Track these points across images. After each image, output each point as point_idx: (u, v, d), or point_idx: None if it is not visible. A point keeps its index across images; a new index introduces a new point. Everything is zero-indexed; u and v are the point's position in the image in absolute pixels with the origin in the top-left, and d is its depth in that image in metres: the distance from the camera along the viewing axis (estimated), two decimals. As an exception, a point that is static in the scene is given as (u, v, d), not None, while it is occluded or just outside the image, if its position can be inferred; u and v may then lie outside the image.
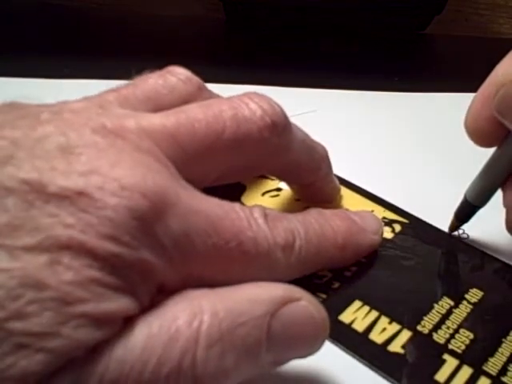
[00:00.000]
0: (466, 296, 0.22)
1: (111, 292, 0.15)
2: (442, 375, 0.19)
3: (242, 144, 0.20)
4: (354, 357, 0.20)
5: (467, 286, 0.23)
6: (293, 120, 0.22)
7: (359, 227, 0.22)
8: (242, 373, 0.16)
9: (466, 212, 0.26)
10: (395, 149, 0.33)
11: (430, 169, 0.32)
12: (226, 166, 0.20)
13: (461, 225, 0.26)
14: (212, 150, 0.19)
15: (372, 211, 0.26)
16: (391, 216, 0.26)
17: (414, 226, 0.26)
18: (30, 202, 0.14)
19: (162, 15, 0.51)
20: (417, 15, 0.50)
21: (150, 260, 0.16)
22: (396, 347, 0.20)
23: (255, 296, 0.17)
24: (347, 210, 0.26)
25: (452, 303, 0.22)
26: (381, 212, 0.26)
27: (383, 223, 0.25)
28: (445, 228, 0.26)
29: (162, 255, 0.16)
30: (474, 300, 0.22)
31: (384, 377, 0.19)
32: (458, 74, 0.44)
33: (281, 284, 0.18)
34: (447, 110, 0.37)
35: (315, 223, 0.21)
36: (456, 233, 0.26)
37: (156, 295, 0.16)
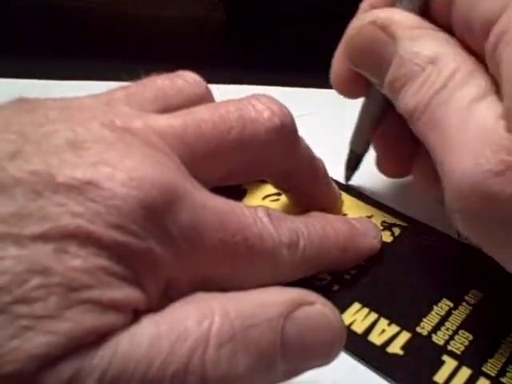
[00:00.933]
0: (466, 297, 0.22)
1: (118, 281, 0.15)
2: (441, 376, 0.19)
3: (248, 144, 0.20)
4: (353, 358, 0.20)
5: (467, 288, 0.23)
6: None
7: (359, 231, 0.23)
8: (254, 381, 0.16)
9: (353, 161, 0.28)
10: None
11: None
12: (231, 166, 0.20)
13: (352, 173, 0.28)
14: (218, 151, 0.19)
15: (371, 216, 0.26)
16: (390, 220, 0.26)
17: (414, 229, 0.26)
18: (39, 192, 0.14)
19: (162, 15, 0.51)
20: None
21: (158, 251, 0.16)
22: (395, 348, 0.20)
23: (267, 299, 0.17)
24: (346, 215, 0.26)
25: (451, 305, 0.22)
26: (380, 216, 0.26)
27: (383, 227, 0.25)
28: (445, 230, 0.26)
29: (169, 246, 0.16)
30: (473, 301, 0.22)
31: (383, 378, 0.19)
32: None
33: (293, 288, 0.17)
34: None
35: (317, 224, 0.21)
36: (456, 234, 0.26)
37: (164, 292, 0.16)
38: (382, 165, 0.27)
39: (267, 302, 0.16)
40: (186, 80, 0.21)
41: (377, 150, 0.27)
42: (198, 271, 0.17)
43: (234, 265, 0.18)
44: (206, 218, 0.17)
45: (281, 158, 0.21)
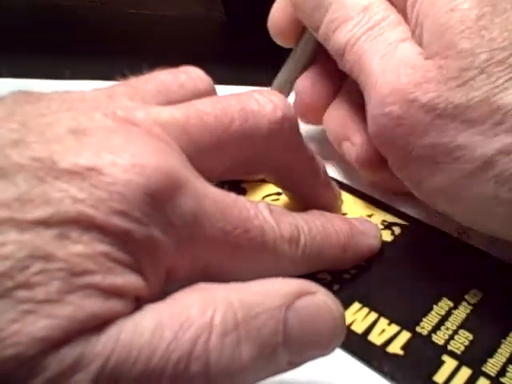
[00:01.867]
0: (466, 297, 0.22)
1: (120, 267, 0.15)
2: (440, 376, 0.19)
3: (250, 137, 0.20)
4: (353, 358, 0.20)
5: (467, 287, 0.23)
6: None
7: (359, 230, 0.23)
8: (257, 371, 0.16)
9: None
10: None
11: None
12: (233, 159, 0.20)
13: None
14: (220, 143, 0.19)
15: (371, 215, 0.26)
16: (391, 219, 0.26)
17: (414, 228, 0.26)
18: (41, 178, 0.14)
19: (162, 15, 0.51)
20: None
21: (159, 238, 0.16)
22: (395, 348, 0.20)
23: (269, 289, 0.17)
24: (345, 214, 0.26)
25: (451, 304, 0.22)
26: (380, 215, 0.26)
27: (383, 226, 0.25)
28: (446, 229, 0.26)
29: (171, 234, 0.16)
30: (473, 301, 0.22)
31: (383, 378, 0.19)
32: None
33: (295, 279, 0.17)
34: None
35: (318, 222, 0.21)
36: (456, 233, 0.26)
37: (165, 281, 0.16)
38: (299, 108, 0.29)
39: (269, 291, 0.16)
40: (190, 75, 0.21)
41: (299, 93, 0.29)
42: (199, 261, 0.17)
43: (235, 256, 0.18)
44: (208, 207, 0.17)
45: (282, 152, 0.21)
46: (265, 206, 0.19)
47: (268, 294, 0.16)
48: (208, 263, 0.18)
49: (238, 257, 0.18)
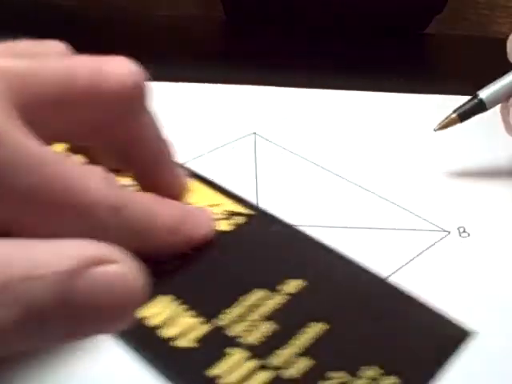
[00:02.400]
0: (285, 287, 0.21)
1: None
2: (219, 369, 0.19)
3: (97, 97, 0.19)
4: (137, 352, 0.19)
5: (287, 277, 0.21)
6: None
7: (191, 216, 0.22)
8: (27, 337, 0.15)
9: (472, 112, 0.29)
10: (392, 149, 0.33)
11: (428, 170, 0.32)
12: (78, 119, 0.19)
13: (466, 116, 0.29)
14: (64, 98, 0.18)
15: (216, 204, 0.25)
16: (236, 209, 0.25)
17: (258, 220, 0.24)
18: None
19: (162, 15, 0.51)
20: (417, 15, 0.50)
21: None
22: (183, 342, 0.20)
23: (62, 251, 0.15)
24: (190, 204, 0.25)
25: (265, 294, 0.21)
26: (226, 205, 0.25)
27: (225, 216, 0.24)
28: (446, 226, 0.26)
29: None
30: (289, 291, 0.21)
31: (163, 372, 0.19)
32: (458, 74, 0.44)
33: (100, 243, 0.16)
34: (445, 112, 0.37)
35: (148, 201, 0.20)
36: (457, 231, 0.26)
37: None
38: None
39: (60, 253, 0.15)
40: (49, 45, 0.20)
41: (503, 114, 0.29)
42: (1, 216, 0.16)
43: (43, 214, 0.17)
44: (18, 159, 0.16)
45: (129, 122, 0.20)
46: (97, 171, 0.18)
47: (57, 255, 0.15)
48: (13, 220, 0.17)
49: (46, 214, 0.17)
